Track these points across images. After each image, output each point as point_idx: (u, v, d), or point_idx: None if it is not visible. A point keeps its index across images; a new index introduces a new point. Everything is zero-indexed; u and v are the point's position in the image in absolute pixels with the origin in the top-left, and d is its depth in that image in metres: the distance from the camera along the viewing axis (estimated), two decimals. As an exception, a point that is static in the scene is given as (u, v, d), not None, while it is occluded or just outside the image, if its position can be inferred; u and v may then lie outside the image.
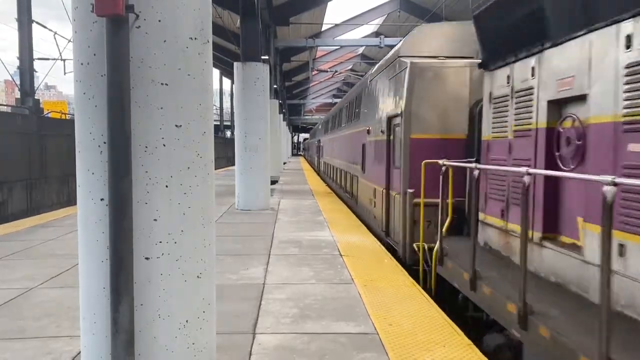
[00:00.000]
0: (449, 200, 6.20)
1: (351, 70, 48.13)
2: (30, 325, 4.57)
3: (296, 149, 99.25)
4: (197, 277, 3.02)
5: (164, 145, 2.86)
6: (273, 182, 18.38)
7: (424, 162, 6.81)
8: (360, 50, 41.31)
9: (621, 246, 3.67)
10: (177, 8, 2.85)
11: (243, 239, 8.82)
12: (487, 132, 6.27)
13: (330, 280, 6.08)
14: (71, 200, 14.60)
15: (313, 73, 36.70)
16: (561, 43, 4.59)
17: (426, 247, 6.88)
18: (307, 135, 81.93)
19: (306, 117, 73.72)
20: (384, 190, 9.17)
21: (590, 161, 4.20)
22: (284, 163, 39.49)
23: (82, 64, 2.85)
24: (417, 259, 7.13)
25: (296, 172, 31.67)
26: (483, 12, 5.84)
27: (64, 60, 21.06)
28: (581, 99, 4.36)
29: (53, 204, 13.87)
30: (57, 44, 19.34)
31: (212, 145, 3.18)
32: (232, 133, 42.83)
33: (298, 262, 7.02)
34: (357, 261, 7.09)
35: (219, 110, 50.40)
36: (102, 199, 2.82)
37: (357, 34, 34.27)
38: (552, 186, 4.79)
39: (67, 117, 21.29)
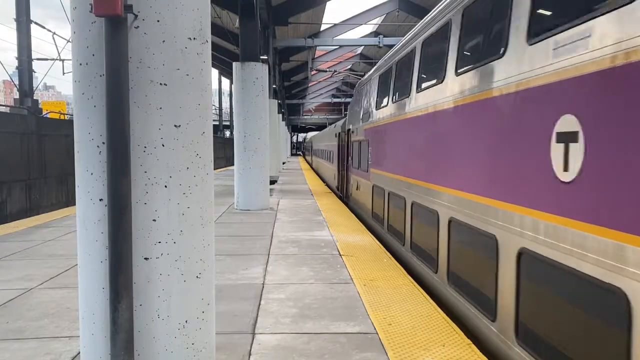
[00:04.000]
0: None
1: (350, 70, 48.13)
2: (29, 326, 4.57)
3: (295, 149, 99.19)
4: (197, 277, 3.02)
5: (163, 145, 2.86)
6: (272, 182, 18.38)
7: None
8: (359, 50, 41.32)
9: None
10: (176, 8, 2.86)
11: (242, 239, 8.82)
12: None
13: (329, 280, 6.08)
14: (70, 201, 14.59)
15: (312, 73, 36.69)
16: None
17: None
18: (305, 135, 76.55)
19: (305, 117, 73.72)
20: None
21: None
22: (283, 163, 39.49)
23: (80, 64, 2.85)
24: None
25: (295, 172, 31.68)
26: None
27: (63, 60, 21.00)
28: None
29: (52, 204, 13.85)
30: (55, 44, 19.29)
31: (211, 145, 3.18)
32: (231, 133, 42.84)
33: (297, 262, 7.02)
34: (357, 261, 7.09)
35: (218, 110, 50.40)
36: (101, 199, 2.82)
37: (356, 33, 34.30)
38: None
39: (65, 118, 21.27)
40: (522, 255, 3.85)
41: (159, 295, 2.88)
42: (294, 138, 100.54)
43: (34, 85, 15.76)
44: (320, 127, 63.99)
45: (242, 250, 7.87)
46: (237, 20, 13.58)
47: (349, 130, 14.00)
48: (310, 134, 63.43)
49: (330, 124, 43.27)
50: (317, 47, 30.07)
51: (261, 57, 13.17)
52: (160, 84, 2.83)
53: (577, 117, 3.17)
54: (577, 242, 3.12)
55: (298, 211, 12.51)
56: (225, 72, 38.79)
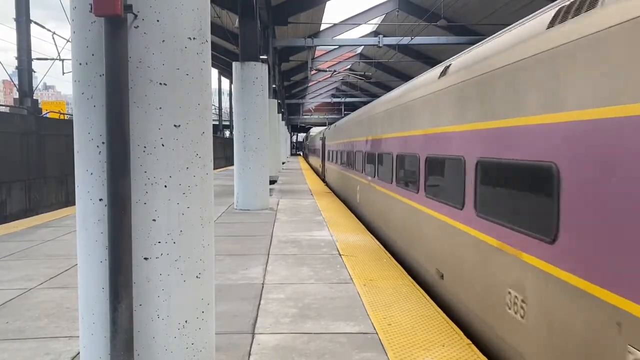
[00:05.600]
0: None
1: (350, 70, 48.11)
2: (29, 326, 4.56)
3: (295, 149, 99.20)
4: (196, 277, 3.02)
5: (163, 145, 2.86)
6: (272, 182, 18.37)
7: None
8: (359, 49, 41.31)
9: None
10: (176, 8, 2.85)
11: (242, 238, 8.82)
12: None
13: (329, 280, 6.08)
14: (70, 201, 14.59)
15: (312, 73, 36.62)
16: None
17: None
18: (308, 133, 71.19)
19: (305, 116, 73.72)
20: None
21: None
22: (283, 163, 39.49)
23: (80, 64, 2.85)
24: None
25: (295, 172, 31.67)
26: None
27: (63, 60, 20.98)
28: None
29: (52, 204, 13.84)
30: (55, 44, 19.28)
31: (211, 145, 3.18)
32: (231, 133, 42.81)
33: (297, 262, 7.02)
34: (356, 261, 7.09)
35: (217, 110, 50.37)
36: (100, 199, 2.82)
37: (356, 33, 34.31)
38: None
39: (65, 117, 21.26)
40: None
41: (159, 295, 2.88)
42: (294, 138, 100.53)
43: (34, 85, 15.74)
44: (320, 127, 63.17)
45: (241, 250, 7.87)
46: (237, 20, 13.57)
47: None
48: (316, 129, 50.98)
49: (330, 123, 40.63)
50: (317, 47, 30.03)
51: (261, 57, 13.17)
52: (160, 83, 2.83)
53: None
54: None
55: (298, 211, 12.51)
56: (225, 72, 38.77)
